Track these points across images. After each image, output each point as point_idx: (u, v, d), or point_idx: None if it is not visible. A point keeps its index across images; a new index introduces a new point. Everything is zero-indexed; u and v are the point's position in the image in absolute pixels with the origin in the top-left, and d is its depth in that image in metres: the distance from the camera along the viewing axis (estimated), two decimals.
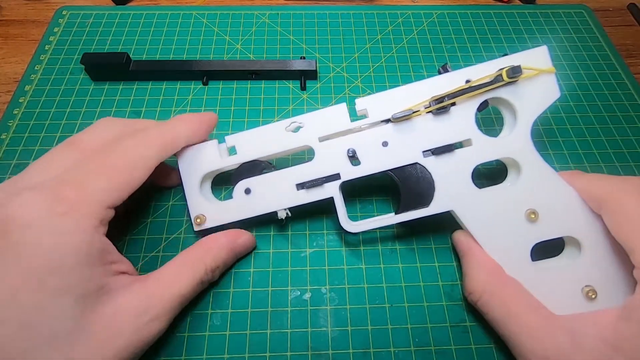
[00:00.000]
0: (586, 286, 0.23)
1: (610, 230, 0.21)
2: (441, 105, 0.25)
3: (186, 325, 0.25)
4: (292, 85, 0.36)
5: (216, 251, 0.25)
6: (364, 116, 0.26)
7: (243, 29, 0.40)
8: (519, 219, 0.24)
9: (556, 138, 0.33)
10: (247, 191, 0.26)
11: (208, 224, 0.26)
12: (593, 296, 0.22)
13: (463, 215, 0.25)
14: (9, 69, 0.37)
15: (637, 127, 0.34)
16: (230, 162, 0.26)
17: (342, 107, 0.26)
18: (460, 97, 0.25)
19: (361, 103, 0.26)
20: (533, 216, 0.24)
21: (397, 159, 0.25)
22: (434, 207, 0.25)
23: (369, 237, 0.28)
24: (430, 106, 0.25)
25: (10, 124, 0.33)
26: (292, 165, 0.26)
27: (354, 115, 0.26)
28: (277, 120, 0.28)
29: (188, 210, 0.27)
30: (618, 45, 0.39)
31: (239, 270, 0.27)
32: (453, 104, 0.25)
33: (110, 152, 0.22)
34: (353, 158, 0.25)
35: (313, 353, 0.24)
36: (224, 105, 0.34)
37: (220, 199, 0.28)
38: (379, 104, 0.25)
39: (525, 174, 0.24)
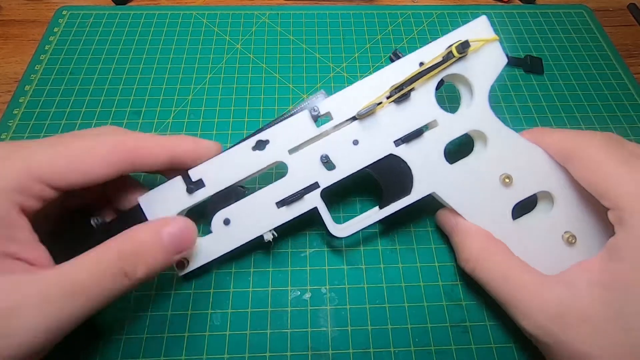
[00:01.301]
0: (565, 232, 0.24)
1: (578, 180, 0.23)
2: (402, 93, 0.25)
3: (186, 325, 0.25)
4: (293, 85, 0.36)
5: (149, 257, 0.19)
6: (328, 119, 0.25)
7: (243, 29, 0.40)
8: (495, 185, 0.25)
9: None
10: (226, 222, 0.25)
11: (192, 266, 0.25)
12: (573, 241, 0.24)
13: (444, 194, 0.25)
14: (9, 69, 0.37)
15: (637, 127, 0.34)
16: (200, 197, 0.25)
17: (305, 114, 0.25)
18: (418, 81, 0.25)
19: (323, 106, 0.25)
20: (507, 180, 0.25)
21: (371, 155, 0.25)
22: (416, 194, 0.25)
23: (369, 237, 0.28)
24: (391, 96, 0.25)
25: (10, 124, 0.33)
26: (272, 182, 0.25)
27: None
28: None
29: None
30: (618, 45, 0.39)
31: (239, 271, 0.27)
32: (412, 89, 0.25)
33: (74, 134, 0.21)
34: (327, 163, 0.25)
35: (313, 353, 0.24)
36: (224, 105, 0.34)
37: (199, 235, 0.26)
38: (341, 103, 0.25)
39: (491, 142, 0.25)
